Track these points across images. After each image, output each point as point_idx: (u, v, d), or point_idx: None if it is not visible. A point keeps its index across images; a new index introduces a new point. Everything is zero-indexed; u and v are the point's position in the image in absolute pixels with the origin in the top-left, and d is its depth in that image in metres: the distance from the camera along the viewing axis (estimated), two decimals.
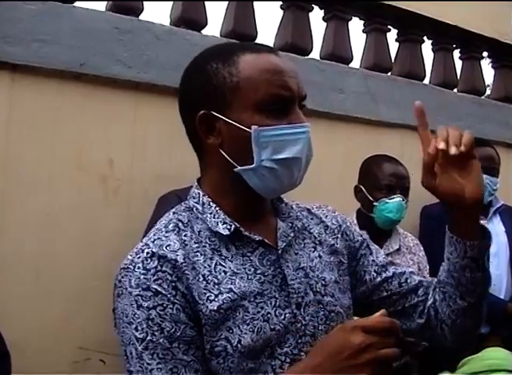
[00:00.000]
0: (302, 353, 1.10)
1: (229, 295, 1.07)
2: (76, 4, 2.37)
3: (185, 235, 1.12)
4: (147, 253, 1.07)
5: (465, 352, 2.22)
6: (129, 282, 1.05)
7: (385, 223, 2.59)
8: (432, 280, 1.34)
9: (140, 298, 1.04)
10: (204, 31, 2.70)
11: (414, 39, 3.51)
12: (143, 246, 1.09)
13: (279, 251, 1.16)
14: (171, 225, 1.14)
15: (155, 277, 1.04)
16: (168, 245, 1.08)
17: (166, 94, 2.49)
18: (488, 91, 4.37)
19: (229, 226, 1.13)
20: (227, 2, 2.90)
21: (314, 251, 1.24)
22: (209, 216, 1.15)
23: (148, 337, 1.02)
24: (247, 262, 1.12)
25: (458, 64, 3.78)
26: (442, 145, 1.11)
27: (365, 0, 3.20)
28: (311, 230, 1.28)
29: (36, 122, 2.25)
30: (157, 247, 1.08)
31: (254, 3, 2.92)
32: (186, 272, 1.06)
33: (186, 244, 1.10)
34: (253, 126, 1.09)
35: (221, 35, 2.84)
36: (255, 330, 1.07)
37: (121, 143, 2.42)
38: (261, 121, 1.09)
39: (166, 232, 1.12)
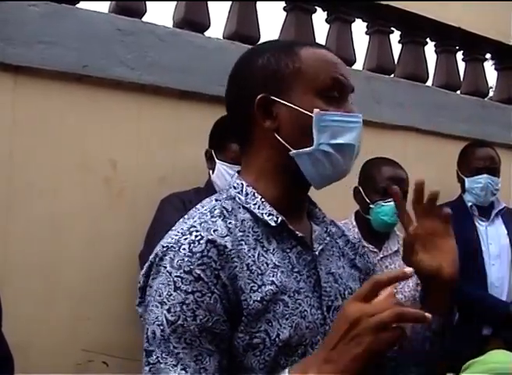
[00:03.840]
0: None
1: (272, 288, 1.07)
2: (80, 6, 2.37)
3: (230, 223, 1.11)
4: (196, 236, 1.05)
5: (468, 354, 2.21)
6: (171, 262, 1.04)
7: (380, 226, 2.59)
8: None
9: (179, 279, 1.02)
10: (207, 33, 2.71)
11: (417, 41, 3.51)
12: (190, 228, 1.07)
13: (316, 253, 1.17)
14: (216, 211, 1.12)
15: (200, 262, 1.02)
16: (216, 230, 1.07)
17: (170, 95, 2.50)
18: (491, 93, 4.37)
19: (275, 218, 1.13)
20: (230, 4, 2.90)
21: (339, 261, 1.25)
22: (253, 206, 1.14)
23: (179, 322, 1.00)
24: (286, 258, 1.13)
25: (461, 66, 3.79)
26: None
27: (368, 1, 3.20)
28: (337, 240, 1.29)
29: (39, 124, 2.25)
30: (205, 230, 1.06)
31: (257, 5, 2.92)
32: (234, 259, 1.06)
33: (232, 232, 1.09)
34: (315, 110, 1.11)
35: (224, 37, 2.84)
36: (293, 326, 1.07)
37: (125, 145, 2.42)
38: (321, 106, 1.12)
39: (212, 217, 1.10)
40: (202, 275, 1.02)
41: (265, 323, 1.06)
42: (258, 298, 1.05)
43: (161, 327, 1.01)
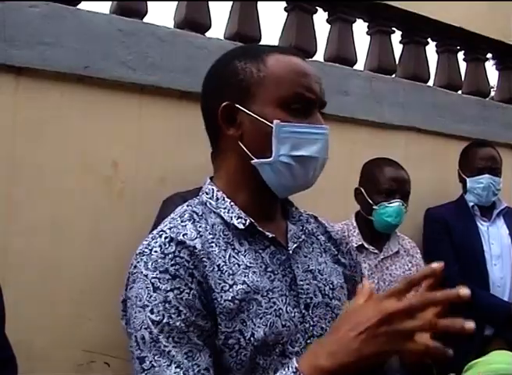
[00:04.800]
0: None
1: (243, 287, 1.08)
2: (81, 6, 2.37)
3: (200, 226, 1.13)
4: (166, 238, 1.07)
5: (471, 355, 2.21)
6: (146, 265, 1.05)
7: (383, 227, 2.59)
8: None
9: (157, 280, 1.03)
10: (208, 34, 2.71)
11: (419, 41, 3.51)
12: (159, 232, 1.10)
13: (290, 252, 1.18)
14: (186, 215, 1.15)
15: (173, 262, 1.04)
16: (185, 234, 1.09)
17: (170, 96, 2.50)
18: (492, 93, 4.37)
19: (243, 221, 1.14)
20: (231, 5, 2.90)
21: (321, 257, 1.26)
22: (223, 210, 1.16)
23: (165, 320, 1.01)
24: (258, 258, 1.14)
25: (462, 66, 3.78)
26: None
27: (369, 1, 3.19)
28: (318, 237, 1.30)
29: (41, 124, 2.25)
30: (174, 233, 1.09)
31: (258, 6, 2.92)
32: (204, 259, 1.07)
33: (202, 235, 1.11)
34: (275, 121, 1.11)
35: (225, 37, 2.84)
36: (268, 324, 1.08)
37: (125, 145, 2.42)
38: (283, 117, 1.12)
39: (182, 221, 1.13)
40: (177, 273, 1.04)
41: (240, 322, 1.06)
42: (229, 298, 1.06)
43: (149, 330, 1.02)
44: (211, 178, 1.24)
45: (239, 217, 1.15)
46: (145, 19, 2.53)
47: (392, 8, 3.24)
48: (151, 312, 1.02)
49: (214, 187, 1.20)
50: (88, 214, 2.32)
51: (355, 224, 2.65)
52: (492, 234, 3.06)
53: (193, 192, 2.35)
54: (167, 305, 1.02)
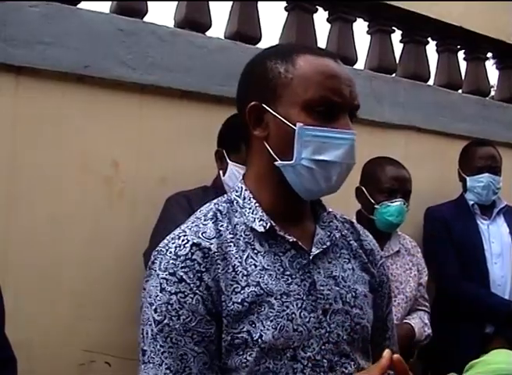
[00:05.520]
0: (324, 360, 1.12)
1: (255, 289, 1.09)
2: (81, 6, 2.37)
3: (221, 225, 1.14)
4: (182, 240, 1.10)
5: (471, 353, 2.21)
6: (159, 265, 1.09)
7: (385, 226, 2.59)
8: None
9: (164, 281, 1.07)
10: (209, 33, 2.70)
11: (419, 40, 3.51)
12: (180, 233, 1.13)
13: (311, 257, 1.17)
14: (210, 214, 1.17)
15: (183, 265, 1.07)
16: (204, 232, 1.12)
17: (171, 95, 2.50)
18: (492, 92, 4.37)
19: (264, 224, 1.14)
20: (231, 4, 2.90)
21: (348, 263, 1.25)
22: (248, 210, 1.17)
23: (165, 321, 1.05)
24: (277, 261, 1.14)
25: (463, 65, 3.78)
26: None
27: (369, 0, 3.19)
28: (350, 242, 1.29)
29: (41, 124, 2.25)
30: (192, 234, 1.11)
31: (259, 5, 2.92)
32: (218, 261, 1.09)
33: (221, 234, 1.13)
34: (298, 123, 1.11)
35: (225, 37, 2.84)
36: (278, 328, 1.08)
37: (126, 145, 2.42)
38: (307, 120, 1.11)
39: (204, 220, 1.15)
40: (185, 277, 1.06)
41: (248, 324, 1.07)
42: (239, 300, 1.07)
43: (151, 327, 1.07)
44: (243, 176, 1.25)
45: (261, 219, 1.15)
46: (145, 19, 2.53)
47: (393, 7, 3.24)
48: (155, 310, 1.07)
49: (243, 186, 1.20)
50: (88, 214, 2.32)
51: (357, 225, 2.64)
52: (493, 233, 3.06)
53: (196, 191, 2.35)
54: (169, 306, 1.06)
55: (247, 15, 2.87)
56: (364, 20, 3.41)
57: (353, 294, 1.20)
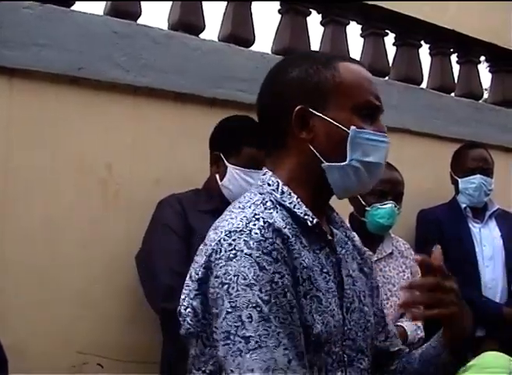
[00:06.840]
0: (345, 355, 1.15)
1: (309, 283, 1.10)
2: (75, 8, 2.37)
3: (282, 216, 1.14)
4: (264, 222, 1.08)
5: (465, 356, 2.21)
6: (247, 244, 1.05)
7: (376, 229, 2.59)
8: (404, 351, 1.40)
9: (262, 260, 1.03)
10: (202, 35, 2.71)
11: (412, 43, 3.52)
12: (254, 215, 1.09)
13: (339, 256, 1.21)
14: (268, 203, 1.15)
15: (272, 247, 1.05)
16: (277, 219, 1.11)
17: (165, 98, 2.50)
18: (485, 95, 4.38)
19: (311, 219, 1.16)
20: (225, 6, 2.90)
21: (354, 264, 1.29)
22: (290, 204, 1.17)
23: (273, 300, 1.02)
24: (316, 259, 1.16)
25: (455, 68, 3.79)
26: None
27: (362, 3, 3.20)
28: (348, 243, 1.33)
29: (35, 126, 2.25)
30: (269, 218, 1.09)
31: (252, 8, 2.92)
32: (292, 249, 1.09)
33: (286, 225, 1.13)
34: (352, 127, 1.15)
35: (219, 39, 2.84)
36: (324, 322, 1.10)
37: (120, 147, 2.42)
38: (358, 123, 1.16)
39: (266, 208, 1.13)
40: (279, 257, 1.05)
41: (303, 316, 1.08)
42: (301, 292, 1.08)
43: (258, 308, 1.01)
44: (267, 170, 1.24)
45: (306, 214, 1.16)
46: (139, 21, 2.53)
47: (386, 10, 3.24)
48: (260, 290, 1.02)
49: (279, 181, 1.20)
50: (83, 216, 2.32)
51: (349, 226, 2.65)
52: (485, 236, 3.07)
53: (188, 194, 2.35)
54: (274, 285, 1.03)
55: (241, 17, 2.87)
56: (358, 23, 3.41)
57: (363, 293, 1.26)
